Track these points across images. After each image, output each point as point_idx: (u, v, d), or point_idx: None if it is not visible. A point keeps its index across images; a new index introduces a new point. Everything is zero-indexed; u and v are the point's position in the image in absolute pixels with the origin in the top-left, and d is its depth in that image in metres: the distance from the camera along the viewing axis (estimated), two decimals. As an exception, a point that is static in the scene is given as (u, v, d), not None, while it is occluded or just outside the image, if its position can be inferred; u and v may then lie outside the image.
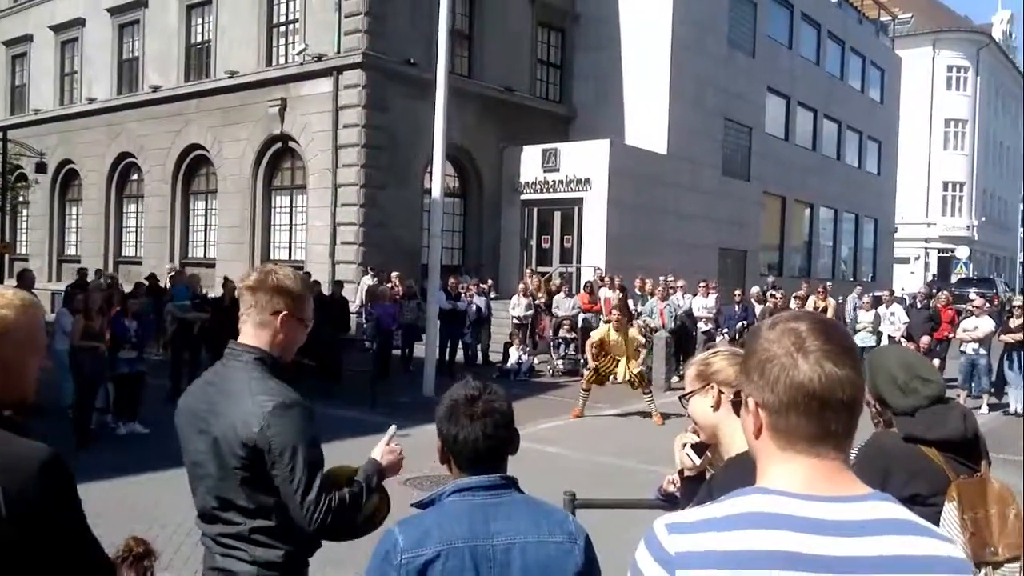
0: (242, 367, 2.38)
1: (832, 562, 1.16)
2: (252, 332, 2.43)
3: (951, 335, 14.29)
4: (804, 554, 1.16)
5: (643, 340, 11.77)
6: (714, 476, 2.18)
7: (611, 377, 11.55)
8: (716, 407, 2.19)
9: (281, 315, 2.42)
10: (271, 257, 20.76)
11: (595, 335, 11.69)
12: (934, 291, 19.50)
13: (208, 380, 2.47)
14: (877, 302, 15.74)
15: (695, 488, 2.29)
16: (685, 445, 2.44)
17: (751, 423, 1.30)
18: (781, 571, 1.15)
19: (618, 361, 11.44)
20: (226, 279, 14.51)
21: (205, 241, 23.16)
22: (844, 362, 1.24)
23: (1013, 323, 13.02)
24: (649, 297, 16.23)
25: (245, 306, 2.44)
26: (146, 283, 14.99)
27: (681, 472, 2.50)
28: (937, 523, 2.27)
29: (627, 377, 11.40)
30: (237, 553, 2.36)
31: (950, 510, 2.30)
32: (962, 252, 40.77)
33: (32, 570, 1.61)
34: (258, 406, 2.28)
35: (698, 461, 2.40)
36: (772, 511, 1.20)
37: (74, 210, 27.68)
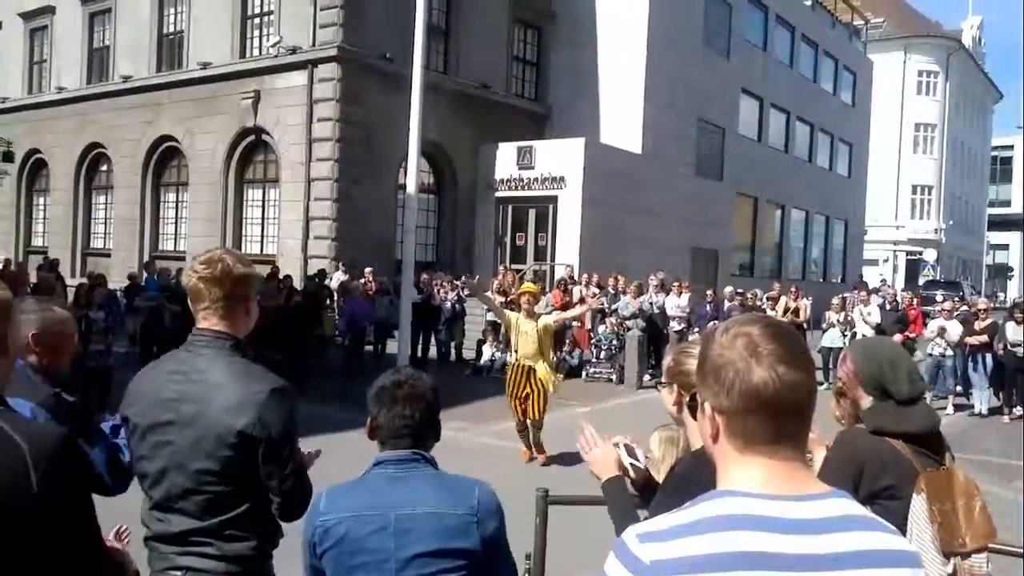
0: (216, 355, 2.35)
1: (799, 560, 1.19)
2: (219, 319, 2.39)
3: (917, 334, 14.56)
4: (772, 553, 1.18)
5: (552, 329, 8.83)
6: (681, 462, 2.20)
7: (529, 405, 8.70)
8: (677, 407, 2.23)
9: (248, 300, 2.44)
10: (243, 251, 20.54)
11: (509, 319, 8.73)
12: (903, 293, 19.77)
13: (174, 369, 2.38)
14: (847, 302, 15.94)
15: (648, 495, 2.31)
16: (618, 444, 2.40)
17: (708, 427, 1.31)
18: (751, 571, 1.17)
19: (529, 371, 8.61)
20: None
21: (176, 234, 22.89)
22: (797, 365, 1.26)
23: (978, 325, 13.24)
24: (622, 295, 16.30)
25: (207, 296, 2.37)
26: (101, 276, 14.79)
27: (627, 474, 2.43)
28: (906, 515, 2.31)
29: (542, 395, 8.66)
30: (203, 549, 2.28)
31: (919, 502, 2.34)
32: (930, 255, 41.41)
33: (55, 549, 1.60)
34: (252, 394, 2.27)
35: (641, 463, 2.41)
36: (738, 513, 1.21)
37: (42, 200, 27.24)
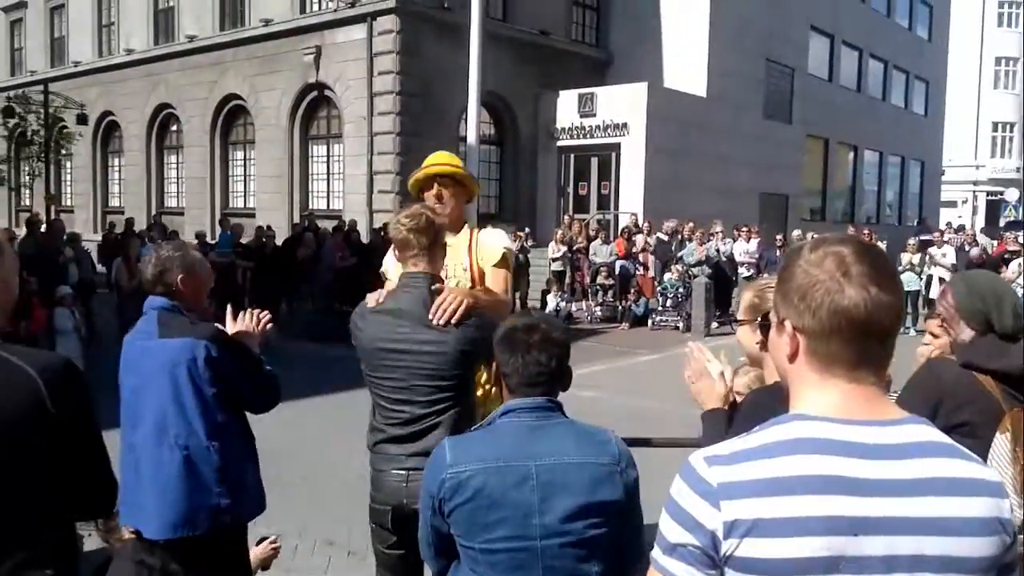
0: (419, 293, 2.76)
1: (871, 485, 1.16)
2: (426, 264, 2.81)
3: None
4: (844, 477, 1.16)
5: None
6: (754, 391, 2.18)
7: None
8: (761, 344, 2.16)
9: (444, 247, 2.89)
10: (310, 207, 20.86)
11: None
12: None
13: (388, 309, 2.79)
14: (925, 245, 15.46)
15: None
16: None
17: (787, 347, 1.27)
18: (821, 495, 1.15)
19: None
20: (267, 228, 14.64)
21: (245, 191, 23.34)
22: (888, 287, 1.22)
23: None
24: (688, 242, 16.10)
25: (416, 245, 2.78)
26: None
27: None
28: (986, 453, 2.24)
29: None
30: (425, 448, 2.62)
31: (1002, 441, 2.26)
32: (1012, 195, 39.57)
33: (68, 467, 1.81)
34: (470, 323, 2.71)
35: None
36: (811, 436, 1.19)
37: (116, 162, 28.00)
